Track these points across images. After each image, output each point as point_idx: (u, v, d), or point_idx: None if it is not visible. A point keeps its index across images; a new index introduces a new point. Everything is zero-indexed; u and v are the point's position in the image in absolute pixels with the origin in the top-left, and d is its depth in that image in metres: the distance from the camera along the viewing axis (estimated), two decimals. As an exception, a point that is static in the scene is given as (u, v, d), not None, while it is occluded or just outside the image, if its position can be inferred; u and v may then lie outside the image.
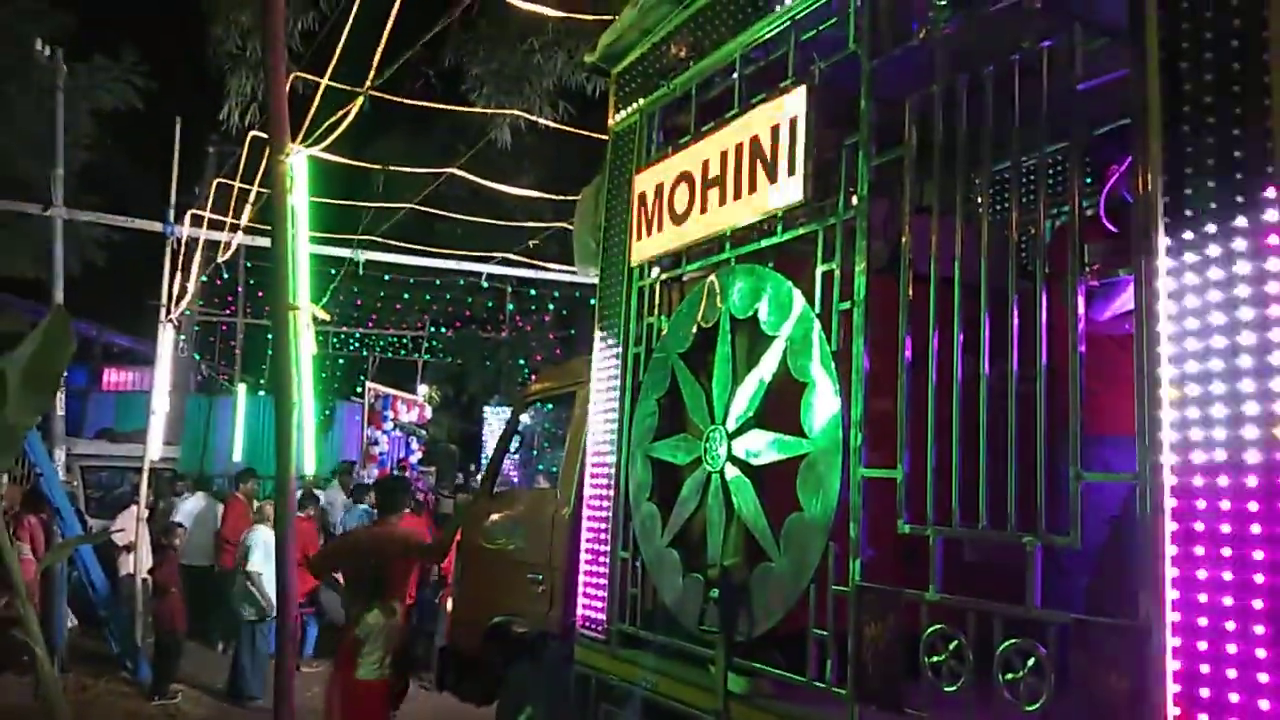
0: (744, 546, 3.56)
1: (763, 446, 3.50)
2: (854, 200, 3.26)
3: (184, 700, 8.11)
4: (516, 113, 8.95)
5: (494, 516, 6.18)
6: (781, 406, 3.45)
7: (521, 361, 20.11)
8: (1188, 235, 2.26)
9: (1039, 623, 2.62)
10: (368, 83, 4.92)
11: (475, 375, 21.03)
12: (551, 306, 18.89)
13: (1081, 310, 2.58)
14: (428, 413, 20.45)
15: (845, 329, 3.22)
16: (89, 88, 13.70)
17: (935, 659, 2.82)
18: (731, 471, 3.61)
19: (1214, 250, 2.20)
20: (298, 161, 4.45)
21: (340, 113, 4.96)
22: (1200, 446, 2.18)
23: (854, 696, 3.00)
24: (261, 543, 7.82)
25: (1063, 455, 2.58)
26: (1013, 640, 2.64)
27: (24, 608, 5.95)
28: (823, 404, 3.24)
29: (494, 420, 18.63)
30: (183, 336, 13.17)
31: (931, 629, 2.84)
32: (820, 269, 3.34)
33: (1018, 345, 2.74)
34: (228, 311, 19.59)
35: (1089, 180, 3.22)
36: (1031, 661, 2.60)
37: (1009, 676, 2.64)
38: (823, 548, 3.17)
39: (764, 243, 3.67)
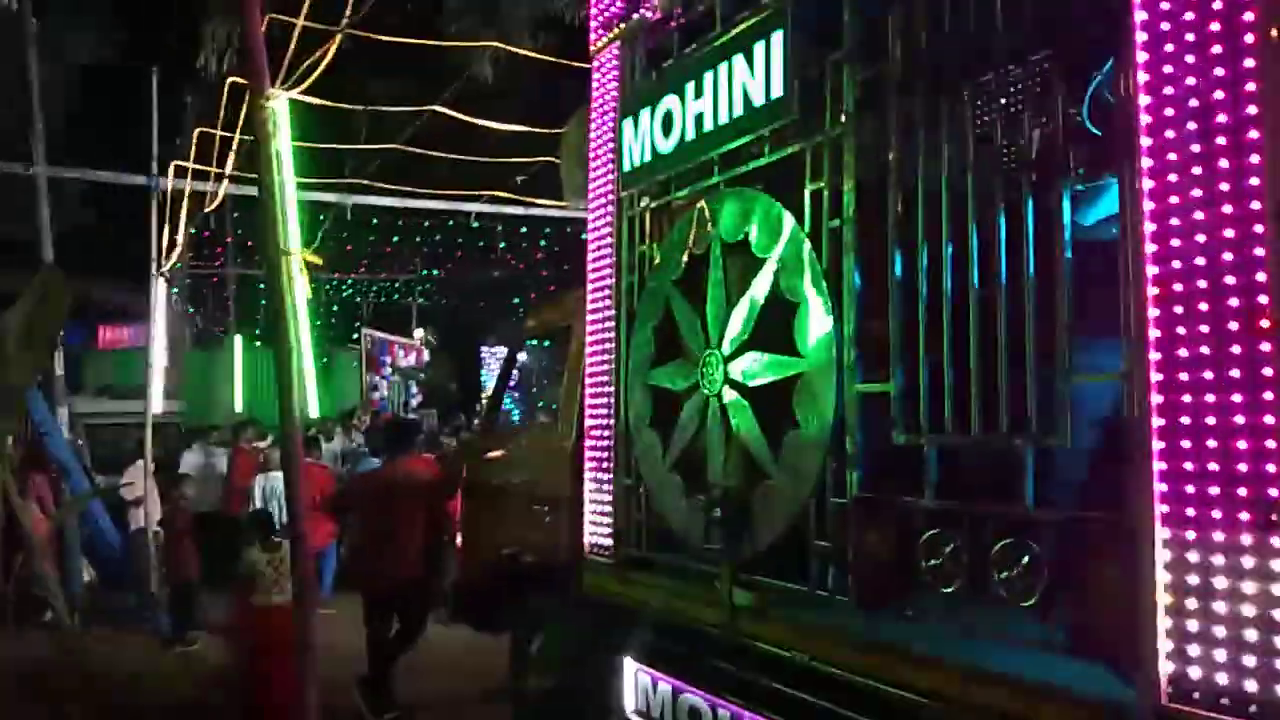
0: (744, 466, 3.63)
1: (758, 367, 3.55)
2: (840, 117, 3.25)
3: (202, 646, 8.30)
4: (495, 44, 8.81)
5: (497, 452, 6.28)
6: (775, 327, 3.49)
7: (516, 299, 20.10)
8: (1169, 135, 2.27)
9: (1032, 522, 2.70)
10: (344, 20, 4.85)
11: (470, 316, 21.04)
12: (543, 243, 18.81)
13: (1068, 214, 2.60)
14: (425, 356, 20.53)
15: (835, 247, 3.25)
16: (60, 41, 13.43)
17: (933, 562, 2.91)
18: (729, 394, 3.66)
19: (1195, 148, 2.21)
20: (279, 105, 4.42)
21: (319, 53, 4.90)
22: (1185, 343, 2.22)
23: (855, 603, 3.10)
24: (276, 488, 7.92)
25: (1053, 360, 2.63)
26: (1006, 540, 2.72)
27: (40, 564, 6.06)
28: (815, 323, 3.28)
29: (491, 360, 18.71)
30: (175, 290, 13.14)
31: (928, 534, 2.92)
32: (809, 188, 3.35)
33: (1006, 255, 2.76)
34: (218, 264, 19.51)
35: (1073, 85, 3.21)
36: (1025, 559, 2.68)
37: (1003, 575, 2.73)
38: (821, 463, 3.24)
39: (751, 165, 3.67)
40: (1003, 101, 2.83)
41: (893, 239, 3.05)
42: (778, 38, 3.43)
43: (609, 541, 4.49)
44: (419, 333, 21.27)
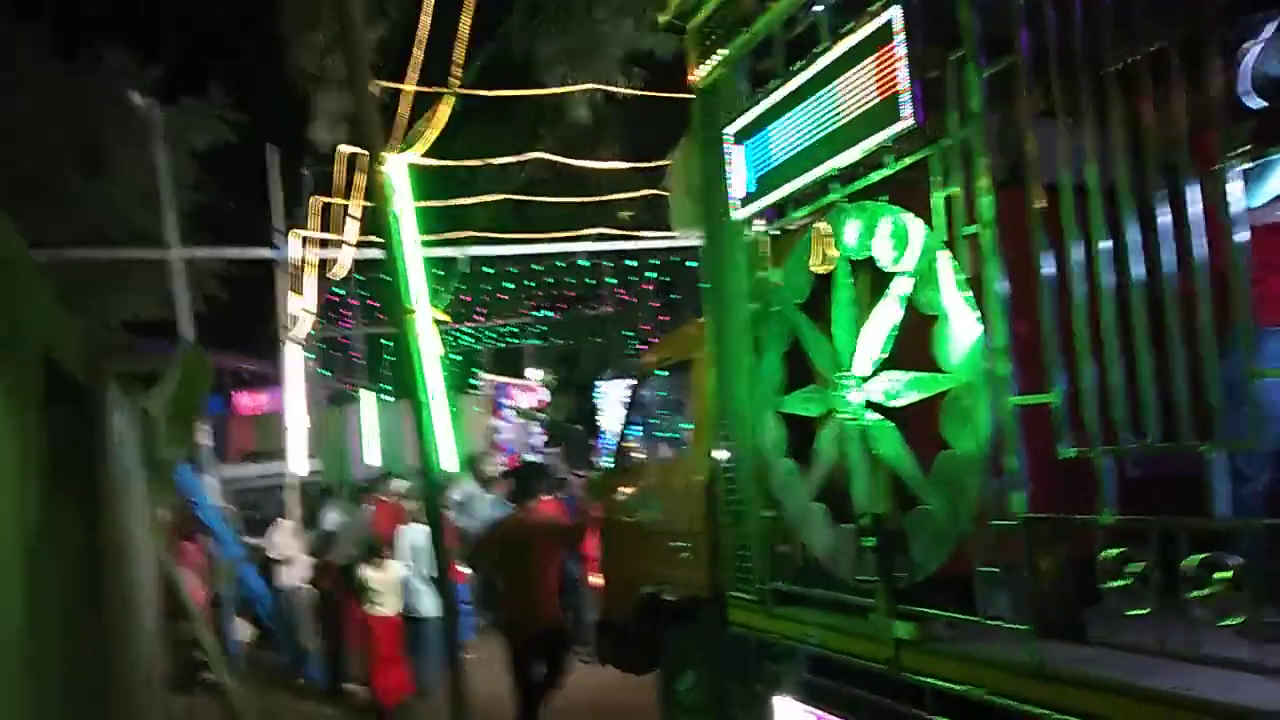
0: (892, 491, 3.47)
1: (899, 387, 3.39)
2: (967, 117, 3.10)
3: (360, 694, 8.49)
4: (594, 86, 8.91)
5: (629, 490, 6.23)
6: (914, 343, 3.33)
7: (629, 334, 20.20)
8: None
9: (1224, 534, 2.47)
10: (453, 82, 4.94)
11: (585, 353, 21.24)
12: (652, 275, 18.87)
13: (1240, 196, 2.38)
14: (545, 396, 20.79)
15: (974, 254, 3.08)
16: (184, 129, 14.27)
17: (1117, 583, 2.69)
18: (869, 417, 3.51)
19: None
20: (396, 169, 4.52)
21: (428, 114, 5.01)
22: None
23: (1032, 631, 2.89)
24: (423, 542, 8.06)
25: (1231, 355, 2.41)
26: (1201, 554, 2.49)
27: (200, 630, 6.28)
28: (960, 335, 3.11)
29: (609, 396, 18.80)
30: (309, 354, 13.70)
31: (1109, 553, 2.70)
32: (940, 194, 3.19)
33: (1170, 244, 2.56)
34: (344, 325, 20.28)
35: (1227, 57, 2.98)
36: (1223, 574, 2.45)
37: (1198, 593, 2.50)
38: (979, 483, 3.06)
39: (873, 176, 3.53)
40: (1150, 80, 2.64)
41: (1038, 239, 2.86)
42: (894, 43, 3.29)
43: (753, 576, 4.36)
44: (536, 374, 21.58)
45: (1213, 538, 2.49)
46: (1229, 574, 2.43)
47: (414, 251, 4.93)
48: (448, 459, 4.82)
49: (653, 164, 9.26)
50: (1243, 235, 2.39)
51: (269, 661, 9.70)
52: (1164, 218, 2.54)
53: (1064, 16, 2.80)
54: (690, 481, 5.28)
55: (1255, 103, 2.54)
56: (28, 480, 2.36)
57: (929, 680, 3.30)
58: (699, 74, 4.66)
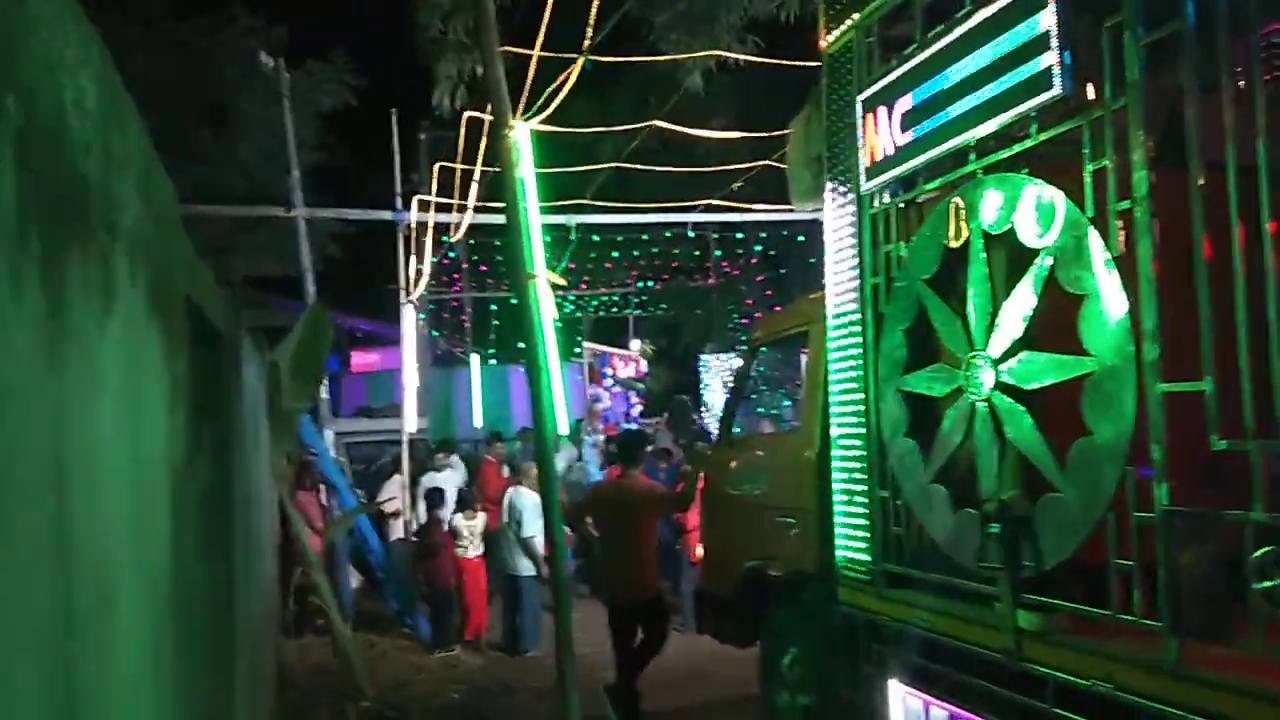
0: (1023, 477, 3.34)
1: (1036, 369, 3.25)
2: (1124, 88, 2.92)
3: (462, 652, 8.73)
4: (715, 53, 8.77)
5: (737, 462, 6.20)
6: (1054, 324, 3.19)
7: (731, 307, 20.05)
8: None
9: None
10: (585, 45, 4.93)
11: (687, 325, 21.19)
12: (758, 248, 18.66)
13: None
14: (644, 366, 20.87)
15: (1126, 231, 2.92)
16: (308, 91, 14.70)
17: (1266, 584, 2.53)
18: (1001, 399, 3.39)
19: None
20: (521, 134, 4.55)
21: (557, 81, 5.00)
22: None
23: (1171, 629, 2.75)
24: (531, 504, 8.23)
25: None
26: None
27: (317, 577, 6.52)
28: (1107, 316, 2.96)
29: (711, 368, 18.75)
30: (421, 315, 14.03)
31: (1260, 552, 2.55)
32: (1090, 167, 3.03)
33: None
34: (454, 289, 20.72)
35: None
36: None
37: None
38: (1118, 473, 2.92)
39: (1017, 147, 3.38)
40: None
41: (1198, 217, 2.69)
42: (1044, 8, 3.13)
43: (865, 556, 4.29)
44: (636, 344, 21.66)
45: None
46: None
47: (535, 217, 4.96)
48: (560, 423, 4.87)
49: (764, 135, 9.09)
50: None
51: (378, 611, 10.06)
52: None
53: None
54: (800, 456, 5.21)
55: None
56: (175, 419, 2.48)
57: (1052, 672, 3.19)
58: (829, 39, 4.53)
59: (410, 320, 10.58)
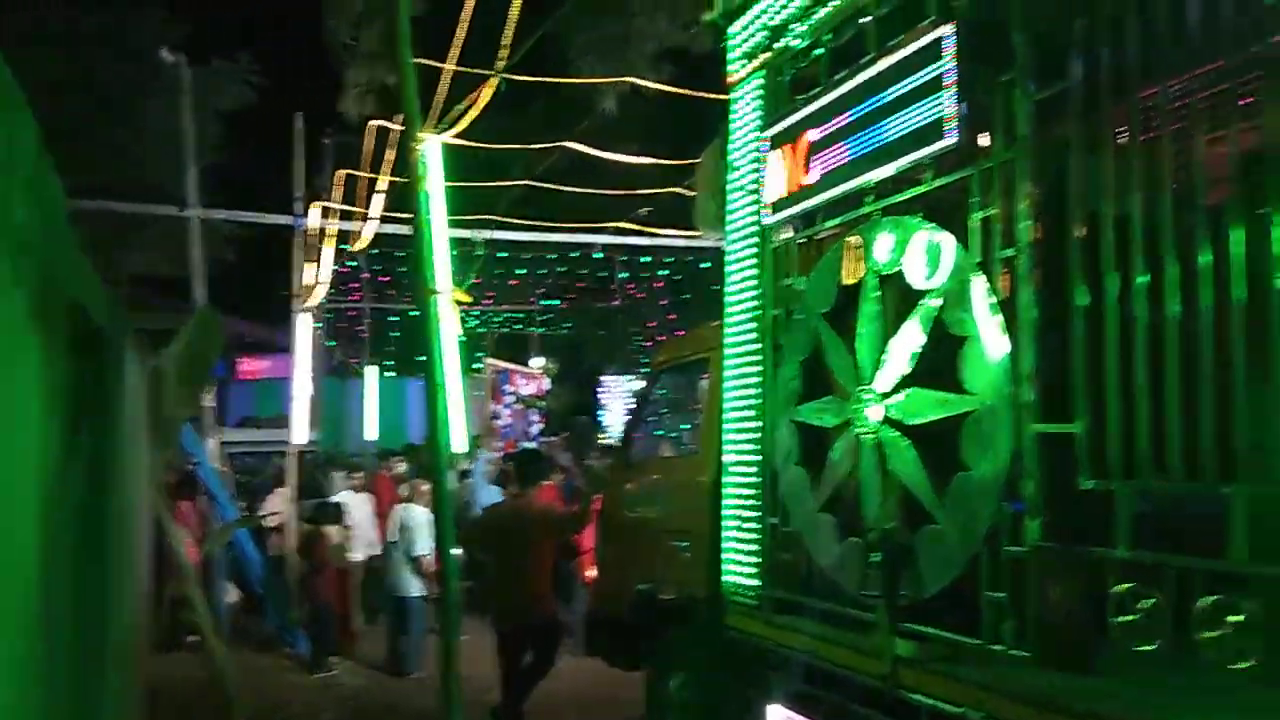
0: (905, 509, 3.46)
1: (920, 405, 3.38)
2: (1012, 140, 3.09)
3: (343, 673, 8.49)
4: (628, 79, 8.88)
5: (633, 485, 6.23)
6: (938, 363, 3.33)
7: (635, 330, 20.19)
8: None
9: (1240, 577, 2.46)
10: (498, 65, 4.92)
11: (591, 346, 21.24)
12: (664, 273, 18.86)
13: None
14: (546, 384, 20.80)
15: (1008, 278, 3.07)
16: (211, 89, 14.24)
17: (1126, 619, 2.68)
18: (887, 432, 3.51)
19: None
20: (431, 148, 4.51)
21: (470, 99, 4.98)
22: None
23: (1036, 660, 2.89)
24: (423, 522, 8.07)
25: (1262, 397, 2.40)
26: (1214, 596, 2.48)
27: (192, 591, 6.25)
28: (987, 358, 3.10)
29: (611, 389, 18.81)
30: (318, 325, 13.70)
31: (1120, 588, 2.70)
32: (978, 215, 3.18)
33: (1208, 280, 2.54)
34: (352, 298, 20.29)
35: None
36: (1237, 618, 2.44)
37: (1209, 634, 2.49)
38: (993, 508, 3.05)
39: (912, 192, 3.53)
40: (1199, 114, 2.62)
41: (1076, 267, 2.85)
42: (943, 61, 3.28)
43: (753, 581, 4.36)
44: (539, 361, 21.58)
45: (1227, 580, 2.49)
46: (1242, 617, 2.43)
47: (441, 232, 4.91)
48: (458, 440, 4.81)
49: (675, 162, 9.23)
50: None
51: (255, 628, 9.70)
52: (1204, 256, 2.52)
53: (1119, 48, 2.78)
54: (696, 480, 5.28)
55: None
56: (50, 425, 2.37)
57: (925, 699, 3.30)
58: (737, 74, 4.65)
59: (305, 328, 10.30)
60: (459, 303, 4.92)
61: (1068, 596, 2.82)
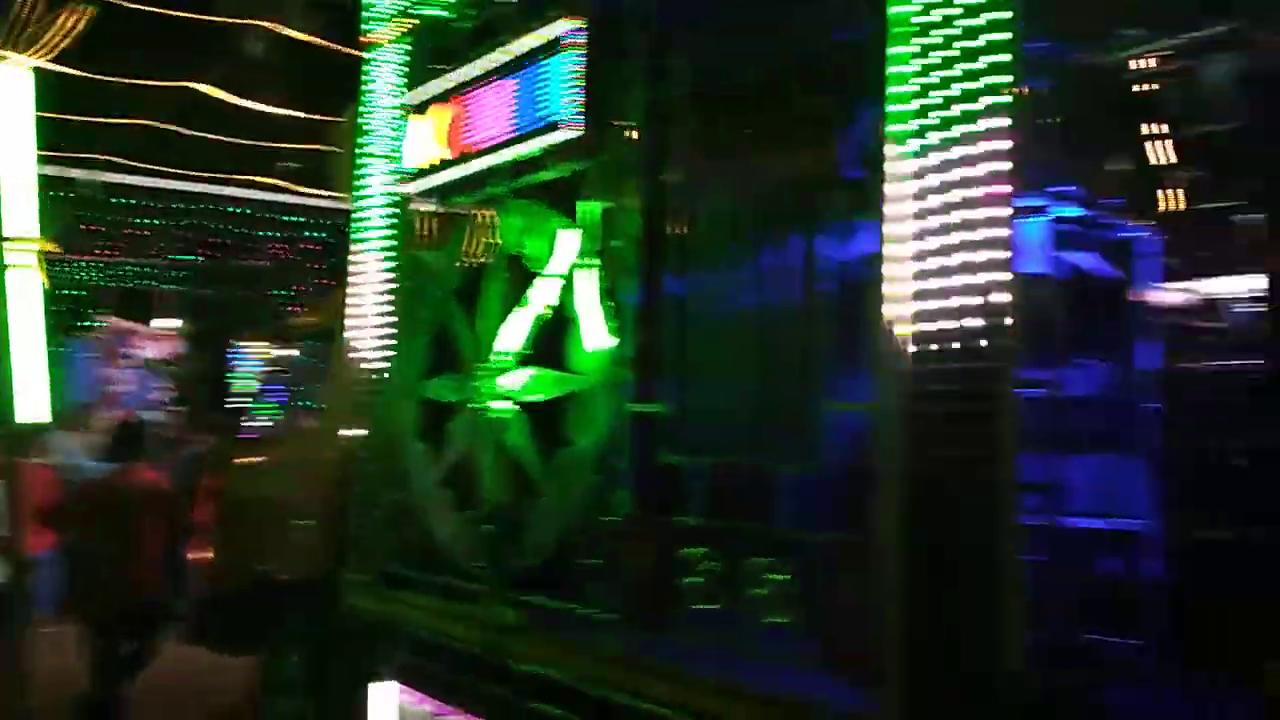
0: (516, 483, 3.58)
1: (533, 383, 3.51)
2: (627, 136, 3.28)
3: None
4: (265, 23, 8.28)
5: (255, 460, 5.88)
6: (553, 343, 3.47)
7: (283, 293, 18.98)
8: (930, 182, 2.37)
9: (786, 542, 2.80)
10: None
11: (233, 308, 19.65)
12: (318, 234, 17.88)
13: (827, 251, 2.73)
14: (179, 348, 18.94)
15: (617, 266, 3.27)
16: None
17: (693, 580, 2.96)
18: (502, 408, 3.60)
19: (939, 200, 2.34)
20: (10, 73, 3.91)
21: (62, 20, 4.33)
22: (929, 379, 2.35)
23: (622, 621, 3.11)
24: None
25: (807, 387, 2.76)
26: (759, 559, 2.80)
27: None
28: (593, 341, 3.29)
29: (247, 357, 17.54)
30: None
31: (692, 552, 2.97)
32: (593, 206, 3.34)
33: (776, 283, 2.87)
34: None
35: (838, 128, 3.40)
36: (779, 577, 2.78)
37: (757, 591, 2.81)
38: (592, 481, 3.25)
39: (536, 177, 3.63)
40: (772, 139, 2.94)
41: (671, 261, 3.10)
42: (568, 54, 3.40)
43: (375, 557, 4.30)
44: (171, 323, 19.61)
45: (778, 545, 2.83)
46: (787, 577, 2.78)
47: (25, 170, 4.25)
48: (36, 409, 4.20)
49: (326, 118, 8.80)
50: (829, 285, 2.74)
51: None
52: (771, 260, 2.85)
53: (720, 55, 3.05)
54: (320, 456, 5.09)
55: (853, 173, 2.90)
56: None
57: (528, 667, 3.43)
58: (376, 34, 4.49)
59: None
60: (45, 253, 4.31)
61: (649, 561, 3.06)
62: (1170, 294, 2.79)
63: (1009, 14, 2.20)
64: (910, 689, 2.27)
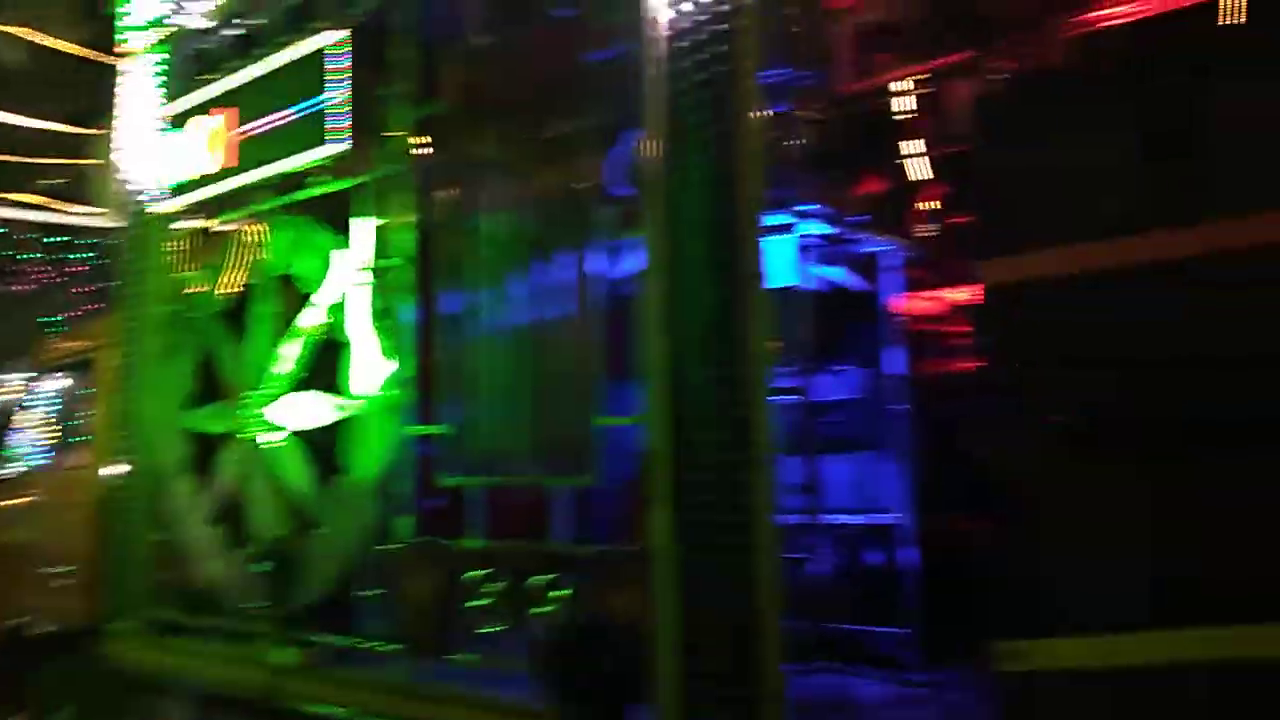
0: (293, 516, 3.40)
1: (306, 409, 3.35)
2: (402, 153, 3.19)
3: None
4: (18, 30, 7.59)
5: (7, 503, 5.33)
6: (327, 367, 3.33)
7: (50, 319, 17.38)
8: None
9: (566, 557, 2.78)
10: None
11: (-10, 336, 17.82)
12: (87, 255, 16.48)
13: (599, 268, 2.75)
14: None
15: (390, 286, 3.17)
16: None
17: (477, 603, 2.90)
18: (274, 438, 3.42)
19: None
20: None
21: None
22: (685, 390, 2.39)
23: (406, 652, 3.01)
24: None
25: (580, 403, 2.76)
26: (539, 577, 2.77)
27: None
28: (368, 363, 3.17)
29: (12, 388, 16.00)
30: None
31: (473, 574, 2.91)
32: (366, 223, 3.23)
33: (550, 300, 2.86)
34: None
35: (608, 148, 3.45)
36: (558, 593, 2.76)
37: (538, 609, 2.77)
38: (374, 508, 3.13)
39: (305, 194, 3.48)
40: (550, 150, 2.94)
41: (447, 279, 3.04)
42: (334, 66, 3.29)
43: (138, 603, 3.98)
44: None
45: (559, 561, 2.81)
46: (569, 592, 2.76)
47: None
48: None
49: (88, 132, 8.16)
50: (600, 302, 2.76)
51: None
52: (544, 277, 2.84)
53: (494, 75, 3.02)
54: (79, 498, 4.67)
55: (620, 191, 2.94)
56: None
57: (310, 707, 3.26)
58: (132, 44, 4.20)
59: None
60: None
61: (427, 588, 2.98)
62: (914, 303, 2.99)
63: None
64: (680, 690, 2.29)
